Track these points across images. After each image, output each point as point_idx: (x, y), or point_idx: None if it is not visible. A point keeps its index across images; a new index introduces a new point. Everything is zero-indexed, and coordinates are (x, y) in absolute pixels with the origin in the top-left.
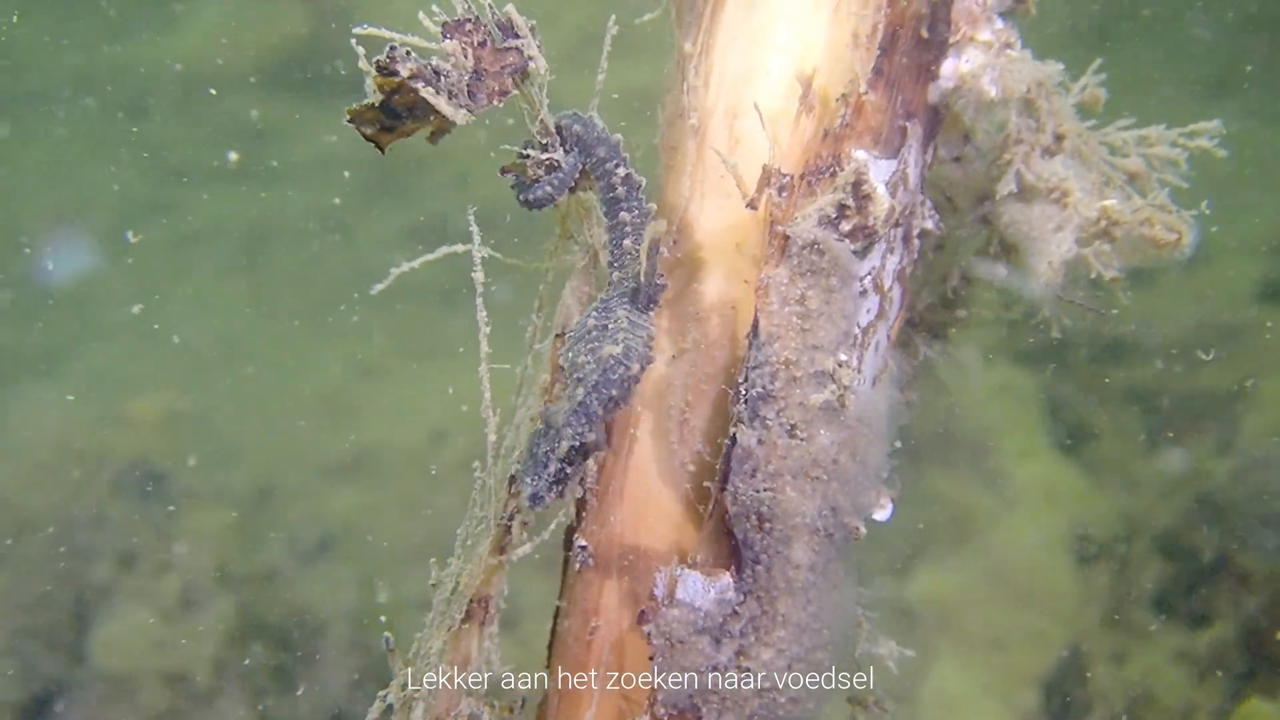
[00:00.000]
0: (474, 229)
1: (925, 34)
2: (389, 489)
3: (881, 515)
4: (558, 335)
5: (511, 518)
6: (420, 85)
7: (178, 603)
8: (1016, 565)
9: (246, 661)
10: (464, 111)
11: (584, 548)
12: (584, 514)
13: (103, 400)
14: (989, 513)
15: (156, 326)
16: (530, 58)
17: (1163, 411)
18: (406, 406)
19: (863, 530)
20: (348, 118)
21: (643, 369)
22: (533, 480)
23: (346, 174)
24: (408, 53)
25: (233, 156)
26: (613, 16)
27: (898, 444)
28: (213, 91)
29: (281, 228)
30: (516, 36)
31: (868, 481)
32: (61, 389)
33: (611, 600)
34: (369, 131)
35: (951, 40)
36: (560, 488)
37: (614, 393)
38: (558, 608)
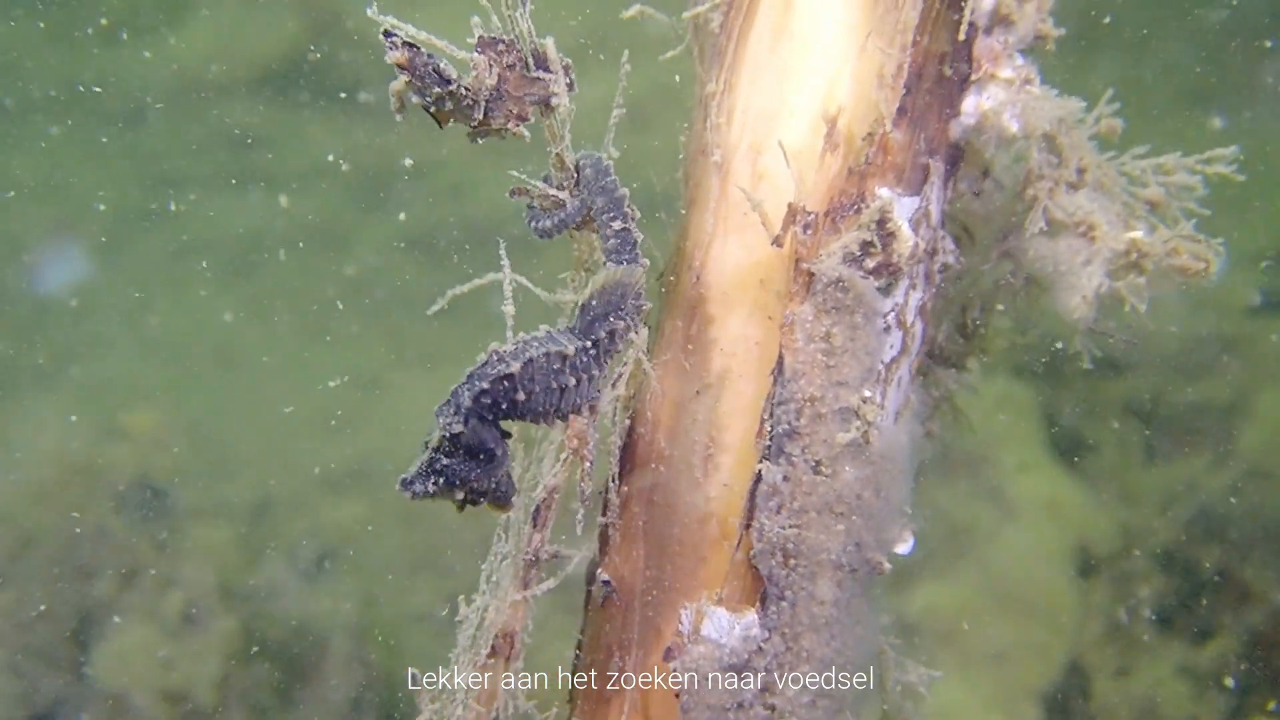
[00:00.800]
0: (504, 261)
1: (948, 72)
2: (388, 501)
3: (904, 549)
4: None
5: (537, 553)
6: (404, 77)
7: (179, 620)
8: (1017, 578)
9: (252, 681)
10: (459, 105)
11: (607, 582)
12: (607, 548)
13: (101, 413)
14: (989, 526)
15: (153, 337)
16: (554, 93)
17: (1161, 424)
18: (405, 417)
19: (887, 565)
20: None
21: (533, 380)
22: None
23: (340, 183)
24: (405, 43)
25: (227, 165)
26: (626, 53)
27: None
28: (206, 99)
29: (277, 237)
30: (548, 71)
31: (891, 516)
32: (60, 401)
33: (635, 635)
34: (420, 103)
35: (973, 77)
36: (436, 480)
37: (484, 386)
38: (579, 641)
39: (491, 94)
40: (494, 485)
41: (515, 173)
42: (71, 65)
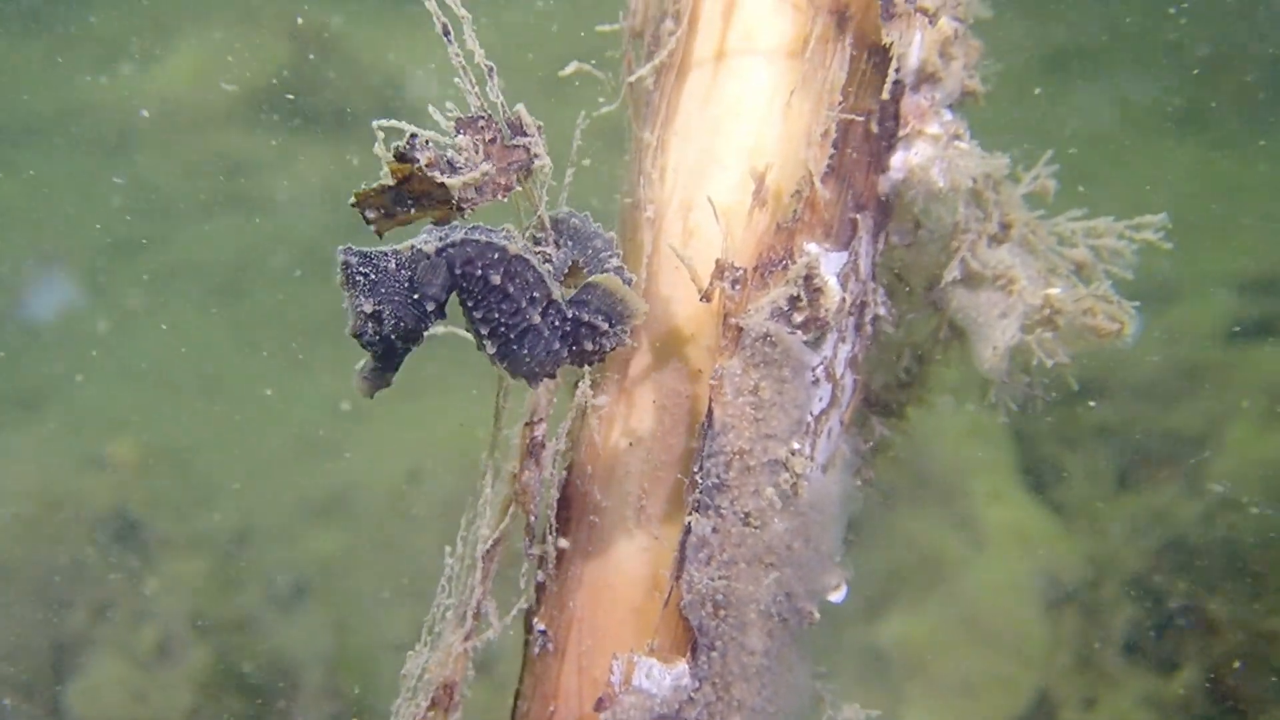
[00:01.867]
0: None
1: (874, 129)
2: (365, 531)
3: (836, 597)
4: (526, 424)
5: (479, 605)
6: (437, 174)
7: (154, 652)
8: (986, 609)
9: (223, 713)
10: (469, 199)
11: (544, 632)
12: (543, 598)
13: (81, 442)
14: (959, 556)
15: (136, 364)
16: (536, 155)
17: (1132, 452)
18: (383, 446)
19: (816, 615)
20: (353, 200)
21: (512, 280)
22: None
23: (330, 208)
24: (426, 142)
25: (213, 190)
26: (583, 113)
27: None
28: (194, 124)
29: (261, 263)
30: (524, 134)
31: (821, 566)
32: (40, 430)
33: (571, 685)
34: (372, 216)
35: (901, 134)
36: (370, 270)
37: (479, 238)
38: (518, 690)
39: (484, 175)
40: (394, 328)
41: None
42: (59, 90)
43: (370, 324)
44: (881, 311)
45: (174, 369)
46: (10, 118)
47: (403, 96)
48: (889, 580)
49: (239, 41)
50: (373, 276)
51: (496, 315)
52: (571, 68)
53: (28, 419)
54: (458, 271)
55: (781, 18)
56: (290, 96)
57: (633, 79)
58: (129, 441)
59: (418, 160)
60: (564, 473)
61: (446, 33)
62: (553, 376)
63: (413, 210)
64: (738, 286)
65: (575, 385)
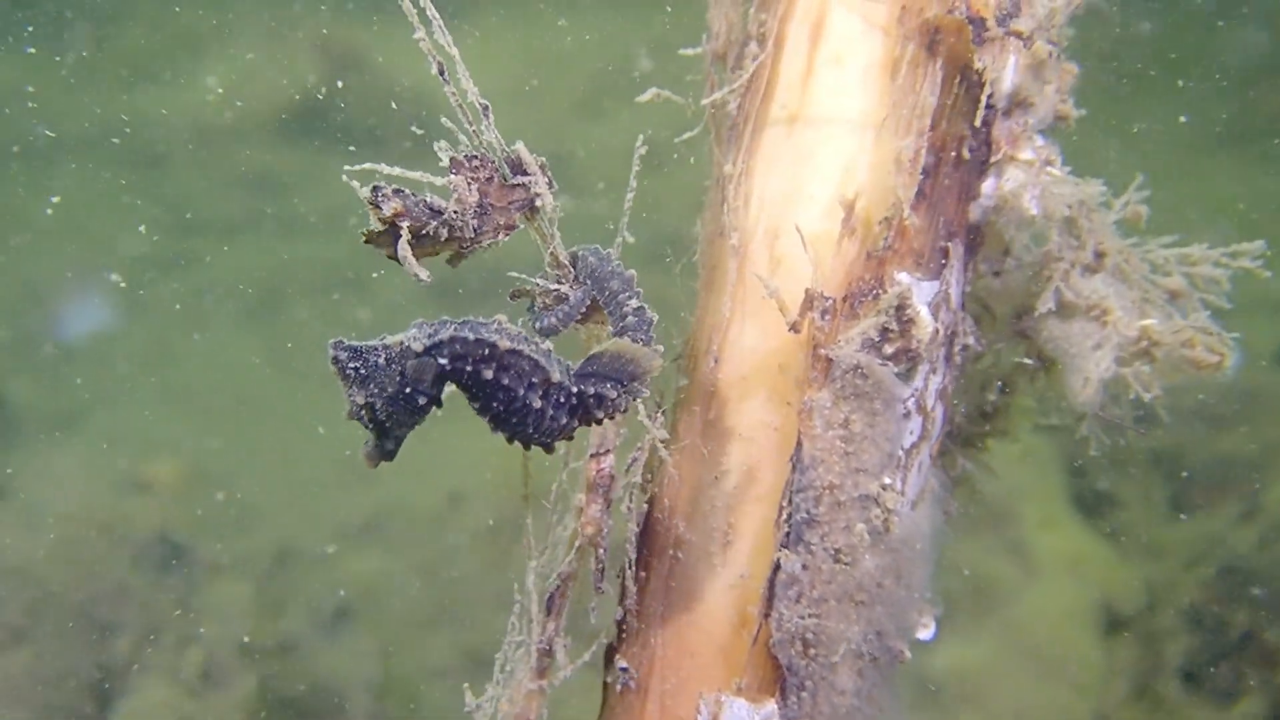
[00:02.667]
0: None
1: (966, 155)
2: (407, 553)
3: (925, 635)
4: (592, 455)
5: (551, 642)
6: (405, 223)
7: (200, 677)
8: (1041, 637)
9: None
10: (454, 233)
11: (625, 669)
12: (624, 634)
13: (122, 463)
14: (1012, 583)
15: (170, 384)
16: (537, 194)
17: (1185, 478)
18: (423, 469)
19: (908, 654)
20: (364, 239)
21: (507, 370)
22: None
23: (362, 226)
24: (396, 190)
25: (246, 209)
26: (640, 137)
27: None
28: (227, 141)
29: (297, 281)
30: (526, 174)
31: (911, 603)
32: (80, 450)
33: None
34: (387, 253)
35: (992, 160)
36: (361, 365)
37: (467, 335)
38: None
39: (476, 211)
40: (388, 417)
41: (514, 274)
42: (94, 108)
43: (364, 412)
44: (971, 341)
45: (210, 389)
46: (45, 136)
47: (436, 112)
48: (941, 607)
49: (270, 60)
50: (363, 371)
51: (495, 405)
52: (649, 94)
53: (65, 439)
54: (448, 369)
55: (870, 41)
56: (321, 114)
57: (711, 100)
58: (168, 462)
59: (381, 209)
60: (644, 506)
61: (442, 72)
62: (568, 439)
63: (425, 245)
64: (827, 317)
65: (646, 415)
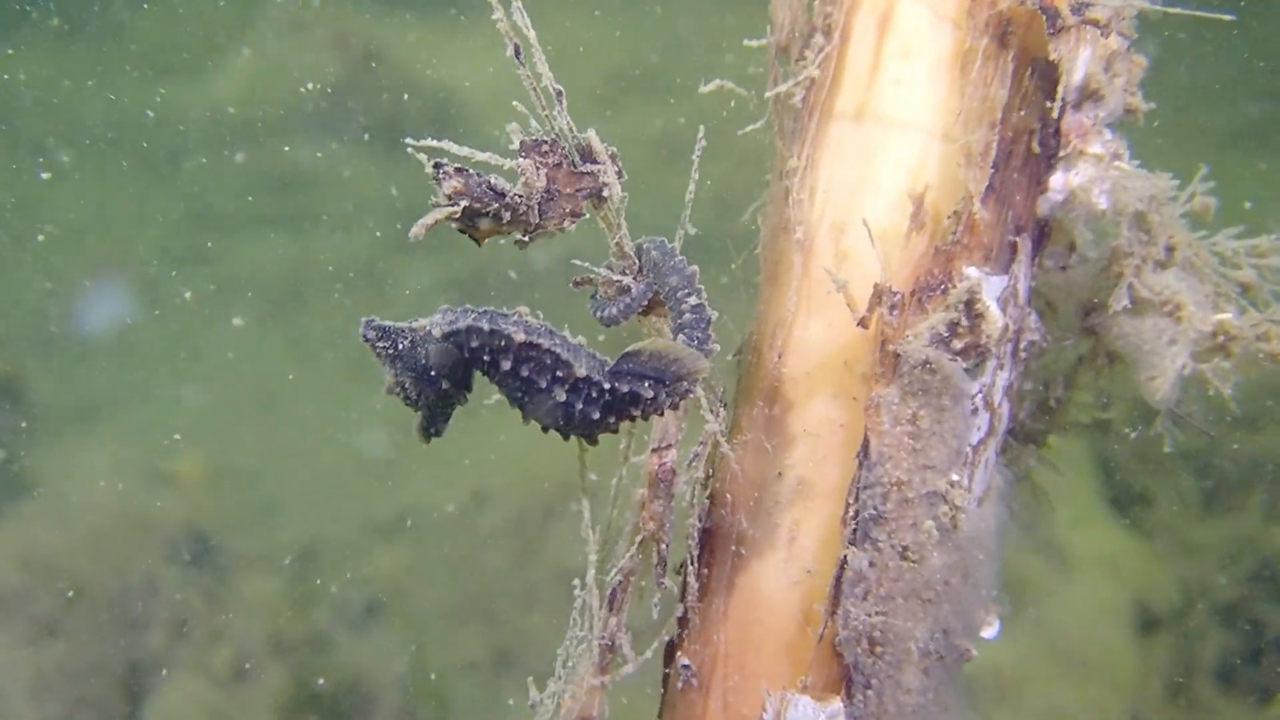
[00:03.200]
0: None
1: (1035, 148)
2: (434, 549)
3: (989, 633)
4: (654, 450)
5: (613, 638)
6: (464, 202)
7: (230, 672)
8: (1075, 635)
9: None
10: (518, 216)
11: (687, 666)
12: (686, 631)
13: (148, 458)
14: (1046, 581)
15: (193, 378)
16: (606, 184)
17: (1217, 476)
18: (448, 464)
19: (974, 652)
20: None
21: (525, 363)
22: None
23: (382, 221)
24: (458, 169)
25: (266, 203)
26: (701, 129)
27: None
28: (247, 137)
29: (319, 276)
30: (595, 162)
31: (978, 601)
32: (106, 445)
33: None
34: (457, 226)
35: (1061, 154)
36: (391, 345)
37: (483, 326)
38: None
39: (543, 196)
40: (419, 396)
41: (577, 262)
42: (114, 104)
43: (399, 390)
44: (1037, 338)
45: (233, 383)
46: (66, 131)
47: (454, 106)
48: (1006, 606)
49: (290, 54)
50: (390, 351)
51: (518, 395)
52: (712, 85)
53: (89, 433)
54: (467, 356)
55: (940, 32)
56: (341, 108)
57: (777, 92)
58: (194, 457)
59: (441, 186)
60: (706, 502)
61: (517, 54)
62: (613, 432)
63: (502, 224)
64: (896, 312)
65: (704, 410)
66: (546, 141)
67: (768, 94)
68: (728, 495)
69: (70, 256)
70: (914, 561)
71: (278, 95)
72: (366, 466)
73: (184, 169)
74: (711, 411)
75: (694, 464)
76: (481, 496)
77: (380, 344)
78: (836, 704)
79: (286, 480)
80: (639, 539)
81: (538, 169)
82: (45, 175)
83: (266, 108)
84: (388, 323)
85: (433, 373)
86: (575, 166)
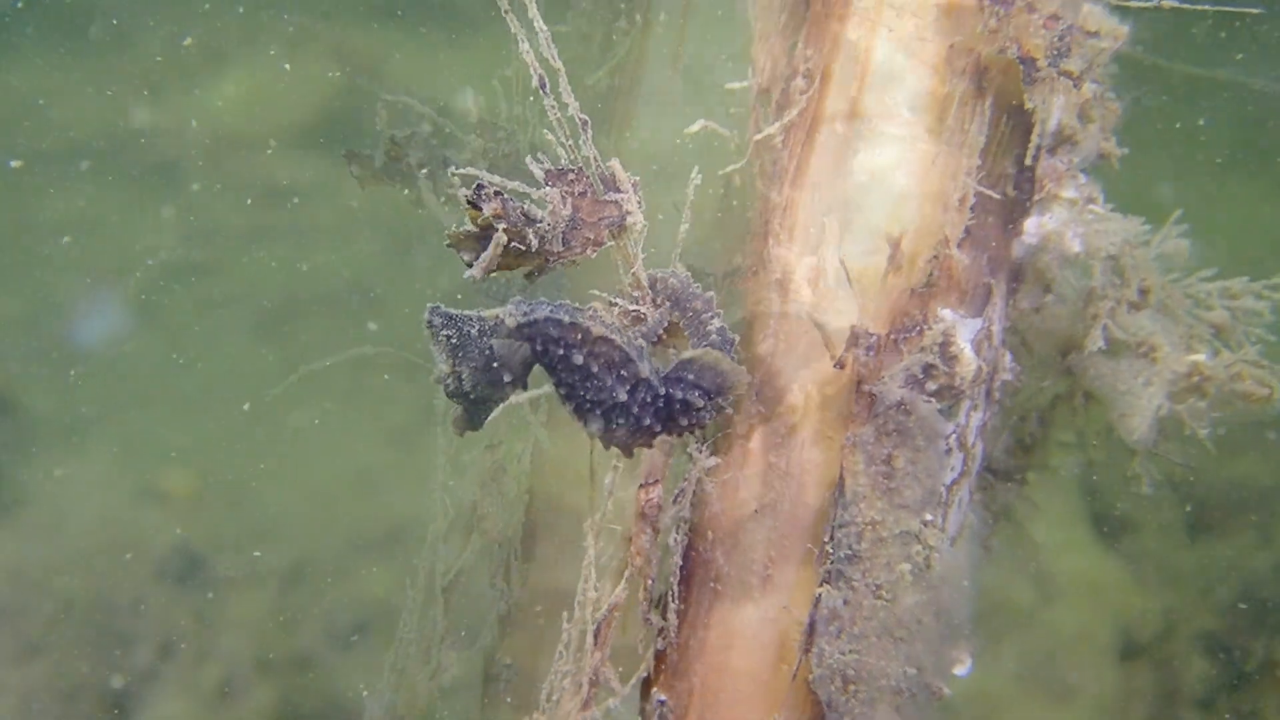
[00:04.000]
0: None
1: (1011, 192)
2: (423, 568)
3: (961, 671)
4: (642, 486)
5: (596, 672)
6: (502, 225)
7: (217, 691)
8: (1058, 661)
9: None
10: (545, 244)
11: (663, 702)
12: (663, 667)
13: (138, 473)
14: (1029, 605)
15: (185, 394)
16: (629, 213)
17: (1201, 503)
18: (438, 481)
19: (946, 690)
20: (448, 241)
21: (596, 359)
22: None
23: (377, 238)
24: (496, 192)
25: (263, 219)
26: (695, 169)
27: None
28: (244, 152)
29: (312, 291)
30: (618, 191)
31: (950, 640)
32: (96, 460)
33: None
34: (467, 258)
35: (1036, 198)
36: (452, 332)
37: (562, 319)
38: None
39: (569, 225)
40: (474, 388)
41: (595, 292)
42: (111, 117)
43: (450, 380)
44: (1010, 378)
45: (225, 399)
46: (61, 145)
47: (451, 123)
48: (978, 643)
49: (288, 70)
50: (454, 340)
51: (581, 392)
52: (697, 126)
53: (80, 448)
54: (539, 349)
55: (918, 79)
56: (338, 125)
57: (760, 137)
58: (184, 472)
59: (482, 210)
60: (685, 538)
61: (543, 85)
62: (648, 446)
63: (509, 257)
64: (872, 353)
65: (689, 446)
66: (572, 171)
67: (754, 138)
68: (708, 532)
69: (64, 271)
70: (888, 600)
71: (275, 110)
72: (357, 484)
73: (180, 184)
74: (697, 447)
75: (679, 500)
76: (472, 515)
77: (445, 331)
78: None
79: (277, 498)
80: (626, 574)
81: (564, 198)
82: (41, 189)
83: (264, 123)
84: (455, 310)
85: (495, 364)
86: (599, 195)
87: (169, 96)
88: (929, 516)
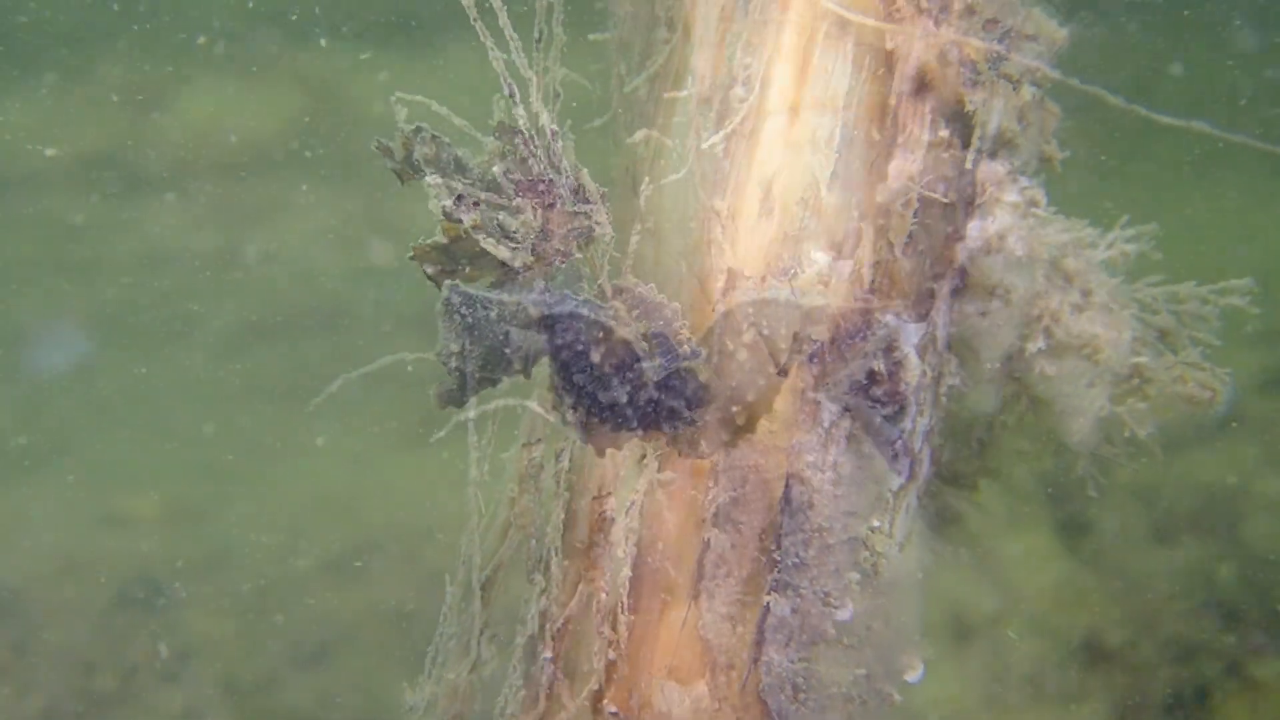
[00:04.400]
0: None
1: (953, 197)
2: (387, 586)
3: (913, 677)
4: (595, 498)
5: (551, 685)
6: (482, 236)
7: (182, 716)
8: (1024, 667)
9: None
10: (521, 260)
11: (615, 714)
12: (612, 678)
13: (100, 499)
14: (994, 612)
15: (146, 419)
16: (599, 223)
17: (1164, 508)
18: (399, 502)
19: (897, 697)
20: (411, 254)
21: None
22: None
23: (340, 259)
24: (475, 202)
25: (223, 239)
26: (646, 179)
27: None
28: (195, 173)
29: (273, 314)
30: (587, 202)
31: (900, 646)
32: (58, 486)
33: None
34: (431, 271)
35: (978, 202)
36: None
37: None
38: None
39: (540, 235)
40: (477, 369)
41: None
42: (74, 141)
43: (454, 359)
44: (956, 383)
45: (185, 423)
46: (26, 166)
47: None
48: (923, 636)
49: (248, 91)
50: (470, 320)
51: (582, 386)
52: (640, 135)
53: (41, 473)
54: (557, 341)
55: (858, 83)
56: (301, 145)
57: (706, 146)
58: (146, 497)
59: (462, 221)
60: (634, 549)
61: (513, 94)
62: (618, 448)
63: (468, 269)
64: (815, 360)
65: (641, 458)
66: (543, 181)
67: (704, 145)
68: (658, 542)
69: (24, 296)
70: (836, 607)
71: (238, 132)
72: (319, 505)
73: (142, 206)
74: (647, 457)
75: (630, 512)
76: (434, 534)
77: (462, 309)
78: None
79: (240, 521)
80: (579, 587)
81: (535, 210)
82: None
83: (226, 145)
84: (475, 291)
85: (508, 350)
86: (569, 207)
87: (128, 116)
88: (876, 523)
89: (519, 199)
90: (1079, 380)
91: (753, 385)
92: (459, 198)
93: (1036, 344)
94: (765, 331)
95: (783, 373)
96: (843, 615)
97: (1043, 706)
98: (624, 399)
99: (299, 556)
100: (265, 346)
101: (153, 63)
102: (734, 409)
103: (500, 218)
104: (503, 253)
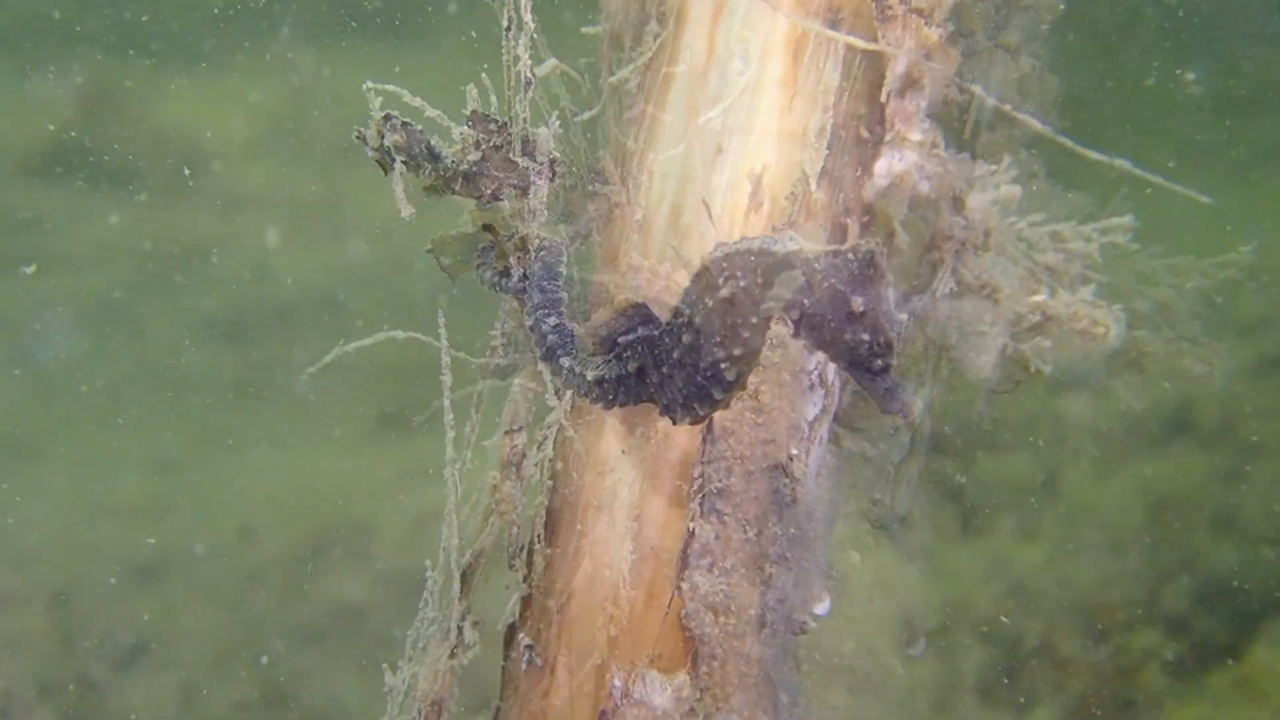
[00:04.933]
0: (443, 328)
1: (864, 133)
2: (200, 588)
3: (821, 609)
4: (506, 432)
5: (462, 619)
6: (400, 157)
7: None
8: (846, 653)
9: None
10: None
11: (530, 646)
12: (528, 612)
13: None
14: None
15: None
16: (534, 184)
17: (971, 501)
18: (211, 503)
19: (812, 624)
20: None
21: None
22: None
23: (116, 265)
24: (404, 124)
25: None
26: (554, 115)
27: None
28: None
29: (65, 317)
30: (534, 159)
31: (813, 575)
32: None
33: (561, 701)
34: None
35: (886, 139)
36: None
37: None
38: (498, 708)
39: (471, 167)
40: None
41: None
42: (38, 126)
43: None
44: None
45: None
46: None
47: (194, 152)
48: (834, 582)
49: (22, 96)
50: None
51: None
52: (549, 65)
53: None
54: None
55: (773, 19)
56: (77, 151)
57: (614, 80)
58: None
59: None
60: (550, 482)
61: (508, 27)
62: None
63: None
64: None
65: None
66: (496, 121)
67: (610, 80)
68: (573, 475)
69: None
70: (755, 533)
71: (12, 137)
72: (130, 506)
73: (129, 193)
74: (556, 394)
75: (544, 445)
76: (248, 532)
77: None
78: (682, 676)
79: (41, 524)
80: (491, 520)
81: (477, 144)
82: None
83: (194, 139)
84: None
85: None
86: (512, 155)
87: (126, 107)
88: (794, 451)
89: (465, 128)
90: (981, 319)
91: (737, 339)
92: (388, 116)
93: (946, 284)
94: (742, 283)
95: (765, 323)
96: (765, 543)
97: (866, 691)
98: (592, 377)
99: (108, 557)
100: (59, 351)
101: (124, 56)
102: (722, 365)
103: (433, 141)
104: (397, 186)
